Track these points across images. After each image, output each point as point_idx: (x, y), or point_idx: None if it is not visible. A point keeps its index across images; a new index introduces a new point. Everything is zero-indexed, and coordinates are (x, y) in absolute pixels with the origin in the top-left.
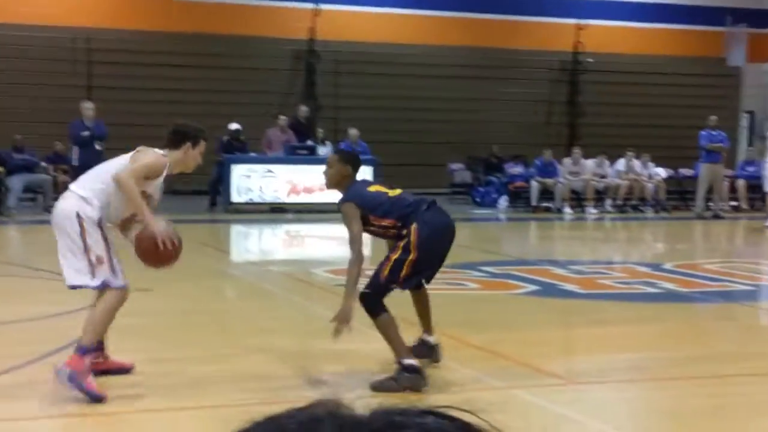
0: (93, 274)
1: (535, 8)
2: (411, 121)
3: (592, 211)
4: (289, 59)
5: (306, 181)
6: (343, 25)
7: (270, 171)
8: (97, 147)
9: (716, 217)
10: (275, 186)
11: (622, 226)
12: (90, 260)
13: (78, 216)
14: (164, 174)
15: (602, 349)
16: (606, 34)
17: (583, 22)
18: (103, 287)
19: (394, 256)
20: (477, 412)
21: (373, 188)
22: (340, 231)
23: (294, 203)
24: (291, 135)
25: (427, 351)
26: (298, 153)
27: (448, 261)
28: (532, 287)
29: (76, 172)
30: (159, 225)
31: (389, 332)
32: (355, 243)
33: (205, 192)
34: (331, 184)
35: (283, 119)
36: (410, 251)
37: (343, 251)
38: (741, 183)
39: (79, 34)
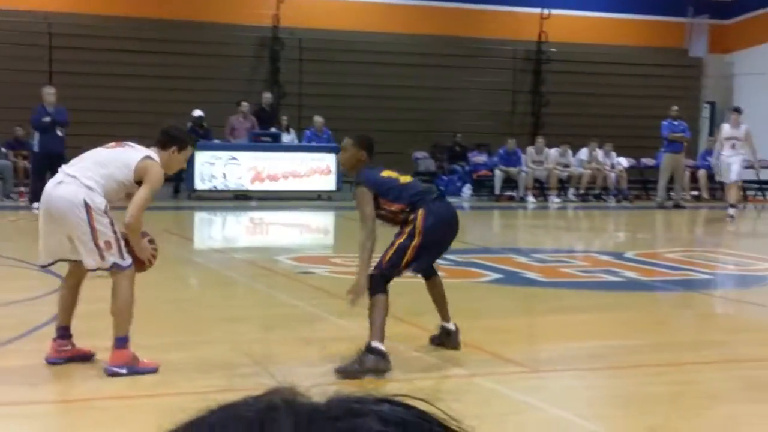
0: (102, 257)
1: None
2: (375, 109)
3: (555, 200)
4: (253, 46)
5: (270, 168)
6: (308, 12)
7: (234, 158)
8: (59, 133)
9: (677, 206)
10: (239, 173)
11: (584, 215)
12: (98, 245)
13: (86, 204)
14: None
15: (564, 337)
16: (570, 24)
17: (546, 11)
18: (113, 269)
19: (399, 241)
20: (435, 400)
21: (385, 173)
22: (304, 218)
23: (258, 191)
24: (254, 122)
25: (446, 338)
26: (262, 140)
27: None
28: (495, 275)
29: (36, 158)
30: (147, 249)
31: (376, 313)
32: (367, 222)
33: (168, 179)
34: (346, 167)
35: (245, 106)
36: (414, 236)
37: (306, 239)
38: (702, 173)
39: (39, 18)
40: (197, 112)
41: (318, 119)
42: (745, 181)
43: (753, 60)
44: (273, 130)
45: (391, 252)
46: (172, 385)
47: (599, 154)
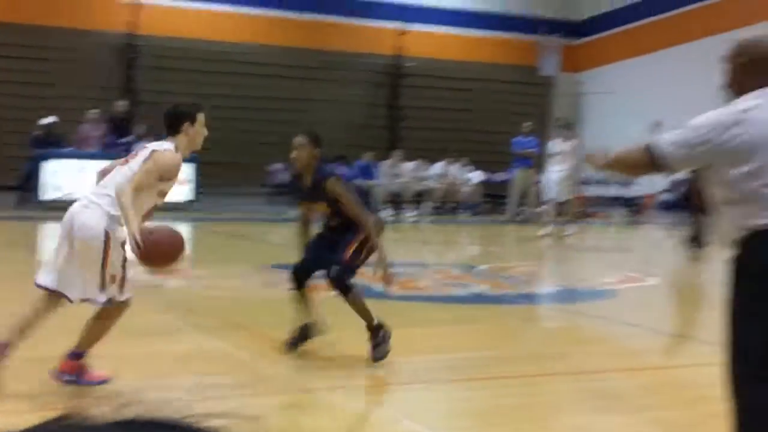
0: (102, 289)
1: (359, 11)
2: (234, 119)
3: (410, 214)
4: (109, 53)
5: None
6: (167, 20)
7: (85, 167)
8: None
9: (527, 221)
10: (90, 183)
11: (438, 229)
12: (104, 277)
13: (106, 234)
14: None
15: (416, 350)
16: (428, 40)
17: (405, 26)
18: (107, 303)
19: (356, 243)
20: (289, 414)
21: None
22: None
23: None
24: (106, 130)
25: (309, 331)
26: (115, 149)
27: (264, 261)
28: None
29: None
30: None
31: (361, 303)
32: (360, 205)
33: (13, 187)
34: (302, 165)
35: (93, 113)
36: (363, 252)
37: None
38: None
39: None
40: (48, 119)
41: None
42: (600, 197)
43: (601, 79)
44: (127, 138)
45: (351, 249)
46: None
47: (454, 168)
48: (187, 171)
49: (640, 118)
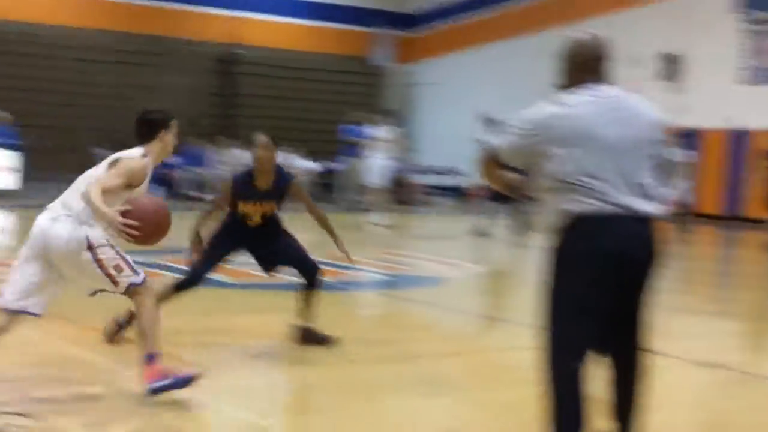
0: (116, 283)
1: None
2: (61, 105)
3: None
4: None
5: None
6: None
7: None
8: None
9: (361, 210)
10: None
11: None
12: (109, 273)
13: (88, 241)
14: (149, 175)
15: (245, 337)
16: (262, 29)
17: (240, 14)
18: (129, 290)
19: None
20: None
21: None
22: None
23: None
24: None
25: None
26: None
27: None
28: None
29: None
30: (113, 220)
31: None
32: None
33: None
34: (267, 166)
35: None
36: None
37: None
38: None
39: None
40: None
41: (2, 114)
42: (428, 186)
43: (433, 70)
44: None
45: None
46: None
47: (289, 157)
48: (11, 159)
49: (470, 110)
